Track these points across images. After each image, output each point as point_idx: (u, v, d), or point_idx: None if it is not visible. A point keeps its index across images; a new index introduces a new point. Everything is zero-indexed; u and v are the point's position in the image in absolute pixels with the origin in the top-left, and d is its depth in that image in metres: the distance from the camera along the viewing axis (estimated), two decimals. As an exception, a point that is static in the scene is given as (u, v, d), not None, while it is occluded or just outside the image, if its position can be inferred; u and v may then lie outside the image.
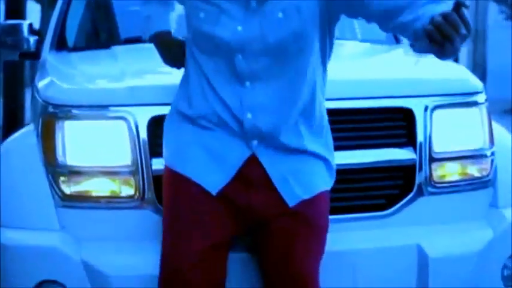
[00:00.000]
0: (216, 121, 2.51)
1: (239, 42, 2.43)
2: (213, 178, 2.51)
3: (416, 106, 3.16)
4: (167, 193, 2.62)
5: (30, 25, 4.55)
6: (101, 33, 4.92)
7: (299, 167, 2.54)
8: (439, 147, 3.17)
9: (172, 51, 2.80)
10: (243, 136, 2.50)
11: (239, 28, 2.42)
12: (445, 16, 1.99)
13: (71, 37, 4.56)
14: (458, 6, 1.98)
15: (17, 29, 4.51)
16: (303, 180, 2.55)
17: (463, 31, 1.98)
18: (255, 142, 2.51)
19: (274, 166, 2.51)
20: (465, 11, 1.98)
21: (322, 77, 2.63)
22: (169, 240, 2.56)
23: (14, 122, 10.42)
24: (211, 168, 2.51)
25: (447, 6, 2.09)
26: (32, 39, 4.52)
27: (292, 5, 2.39)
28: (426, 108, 3.16)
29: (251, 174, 2.50)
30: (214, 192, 2.50)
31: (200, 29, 2.48)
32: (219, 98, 2.49)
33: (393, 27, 2.33)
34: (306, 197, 2.54)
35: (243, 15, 2.42)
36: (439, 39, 2.00)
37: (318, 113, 2.57)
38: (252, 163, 2.50)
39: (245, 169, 2.50)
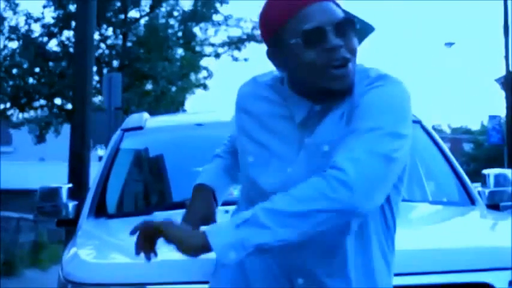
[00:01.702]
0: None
1: (284, 188, 2.09)
2: None
3: (498, 281, 2.74)
4: None
5: (70, 189, 4.24)
6: (148, 197, 4.59)
7: None
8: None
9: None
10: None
11: (289, 170, 2.17)
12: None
13: (112, 202, 4.22)
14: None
15: (56, 193, 4.20)
16: None
17: None
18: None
19: None
20: None
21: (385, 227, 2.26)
22: None
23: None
24: None
25: None
26: (71, 205, 4.20)
27: (339, 136, 2.12)
28: (510, 283, 2.74)
29: None
30: None
31: (247, 175, 2.26)
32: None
33: None
34: None
35: (295, 155, 2.18)
36: None
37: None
38: None
39: None
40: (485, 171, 4.35)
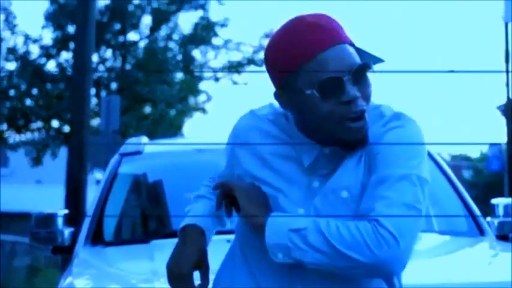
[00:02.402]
0: None
1: None
2: None
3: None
4: None
5: (66, 215, 4.12)
6: (146, 224, 4.46)
7: None
8: None
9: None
10: None
11: (300, 211, 2.06)
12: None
13: (109, 229, 4.09)
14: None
15: (51, 220, 4.08)
16: None
17: None
18: None
19: None
20: None
21: None
22: None
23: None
24: None
25: None
26: (67, 232, 4.08)
27: (359, 182, 2.04)
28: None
29: None
30: None
31: None
32: None
33: None
34: None
35: (303, 197, 2.08)
36: None
37: None
38: None
39: None
40: (494, 201, 4.23)
